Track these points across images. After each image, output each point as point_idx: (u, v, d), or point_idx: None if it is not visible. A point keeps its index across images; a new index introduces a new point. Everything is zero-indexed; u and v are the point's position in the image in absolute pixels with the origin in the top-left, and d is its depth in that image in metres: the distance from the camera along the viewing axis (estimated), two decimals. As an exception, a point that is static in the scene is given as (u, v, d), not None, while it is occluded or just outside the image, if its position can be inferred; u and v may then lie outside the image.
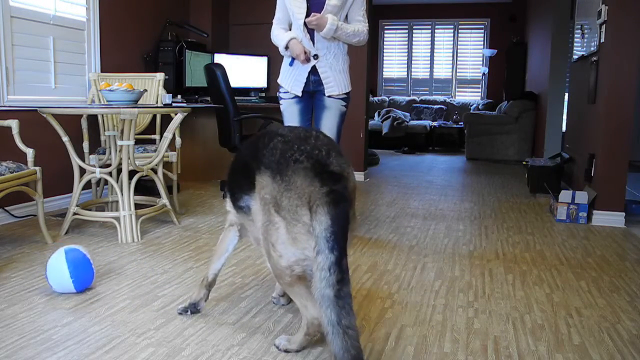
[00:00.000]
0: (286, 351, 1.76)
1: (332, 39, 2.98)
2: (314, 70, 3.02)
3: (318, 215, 1.53)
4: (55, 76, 3.84)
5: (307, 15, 2.94)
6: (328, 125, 3.08)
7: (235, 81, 4.87)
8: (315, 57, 2.99)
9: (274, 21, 3.10)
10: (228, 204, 1.99)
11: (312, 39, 2.98)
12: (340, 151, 1.70)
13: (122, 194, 3.11)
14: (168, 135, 3.38)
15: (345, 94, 3.09)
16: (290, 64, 3.06)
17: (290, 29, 3.07)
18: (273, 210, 1.60)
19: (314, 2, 2.94)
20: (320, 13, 2.91)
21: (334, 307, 1.47)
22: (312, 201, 1.54)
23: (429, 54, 9.87)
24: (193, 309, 2.07)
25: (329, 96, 3.05)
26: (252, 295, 2.28)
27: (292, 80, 3.07)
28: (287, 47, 2.98)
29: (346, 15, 3.04)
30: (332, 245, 1.50)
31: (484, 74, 9.52)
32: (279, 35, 3.03)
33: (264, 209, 1.64)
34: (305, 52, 2.93)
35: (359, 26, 3.02)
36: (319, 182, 1.56)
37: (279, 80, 3.16)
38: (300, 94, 3.06)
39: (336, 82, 3.04)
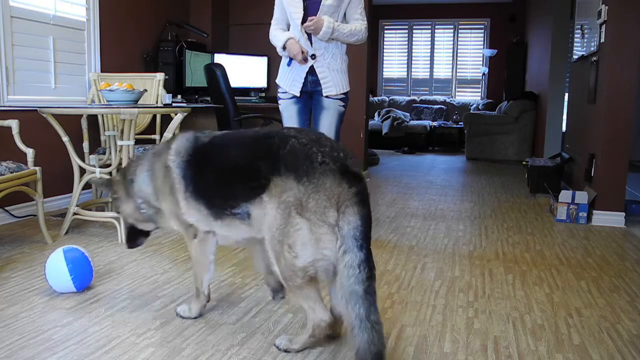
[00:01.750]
0: (286, 351, 1.76)
1: (329, 39, 2.98)
2: (311, 71, 3.01)
3: (347, 216, 1.56)
4: (55, 76, 3.84)
5: (305, 15, 2.94)
6: (326, 125, 3.08)
7: (235, 81, 4.87)
8: (313, 57, 2.99)
9: (272, 22, 3.10)
10: (194, 217, 1.88)
11: (310, 38, 2.98)
12: (348, 151, 1.72)
13: (122, 194, 3.10)
14: (168, 135, 3.38)
15: (344, 94, 3.08)
16: (288, 64, 3.06)
17: (288, 29, 3.07)
18: (295, 213, 1.59)
19: (311, 2, 2.94)
20: (316, 14, 2.91)
21: (363, 302, 1.52)
22: (341, 202, 1.57)
23: (429, 54, 9.87)
24: (198, 315, 2.05)
25: (327, 96, 3.05)
26: (252, 295, 2.28)
27: (290, 81, 3.07)
28: (284, 48, 2.98)
29: (344, 14, 3.04)
30: (361, 244, 1.55)
31: (484, 74, 9.52)
32: (277, 36, 3.03)
33: (283, 212, 1.62)
34: (302, 52, 2.93)
35: (356, 25, 3.00)
36: (347, 184, 1.58)
37: (277, 81, 3.16)
38: (298, 94, 3.06)
39: (334, 82, 3.03)
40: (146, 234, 2.16)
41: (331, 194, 1.57)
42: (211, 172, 1.83)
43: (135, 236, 2.15)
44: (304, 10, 2.94)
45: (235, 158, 1.79)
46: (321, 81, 3.02)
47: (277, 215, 1.63)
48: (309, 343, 1.75)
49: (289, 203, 1.60)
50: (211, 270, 2.00)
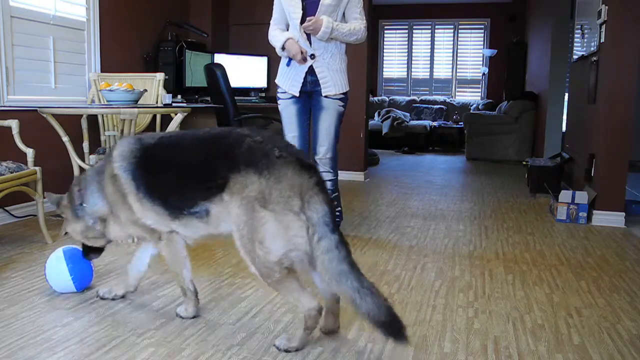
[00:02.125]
0: (286, 351, 1.76)
1: (329, 39, 2.98)
2: (311, 71, 3.01)
3: (313, 205, 1.63)
4: (55, 76, 3.84)
5: (304, 15, 2.94)
6: (326, 125, 3.08)
7: (235, 81, 4.87)
8: (312, 57, 2.99)
9: (271, 22, 3.10)
10: (151, 219, 1.89)
11: (309, 38, 2.98)
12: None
13: (122, 194, 3.10)
14: (168, 135, 3.37)
15: (343, 93, 3.08)
16: (288, 64, 3.06)
17: (287, 30, 3.07)
18: (259, 206, 1.62)
19: (309, 2, 2.94)
20: (315, 14, 2.91)
21: (352, 275, 1.61)
22: (304, 192, 1.62)
23: (429, 54, 9.87)
24: (195, 315, 2.05)
25: (326, 96, 3.05)
26: (252, 295, 2.28)
27: (289, 81, 3.07)
28: (283, 48, 2.98)
29: (343, 14, 3.03)
30: (332, 228, 1.64)
31: (484, 74, 9.52)
32: (276, 36, 3.03)
33: (247, 208, 1.64)
34: (301, 52, 2.93)
35: (355, 25, 3.00)
36: (307, 174, 1.65)
37: (276, 81, 3.16)
38: (297, 95, 3.06)
39: (333, 82, 3.04)
40: (98, 249, 2.20)
41: (293, 183, 1.62)
42: (164, 172, 1.84)
43: (87, 253, 2.20)
44: (302, 10, 2.95)
45: (190, 158, 1.81)
46: (320, 81, 3.02)
47: (240, 212, 1.66)
48: (305, 336, 1.77)
49: (251, 198, 1.63)
50: (187, 265, 2.02)
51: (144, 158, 1.86)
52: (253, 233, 1.65)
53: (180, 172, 1.81)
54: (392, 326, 1.61)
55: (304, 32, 2.96)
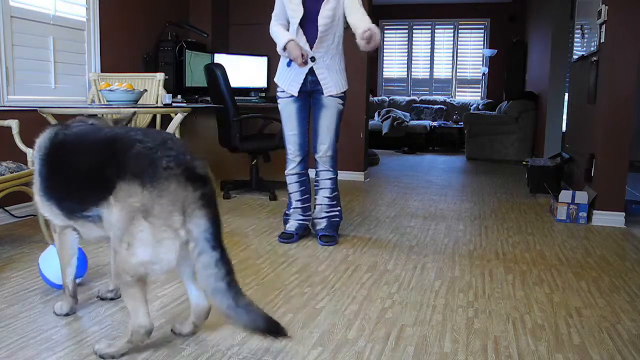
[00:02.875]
0: (101, 357, 1.70)
1: (329, 41, 2.98)
2: (311, 71, 3.02)
3: (195, 219, 1.60)
4: (55, 76, 3.84)
5: (304, 16, 2.93)
6: (326, 123, 3.09)
7: (235, 81, 4.87)
8: (313, 59, 2.99)
9: (272, 15, 3.10)
10: (47, 214, 1.88)
11: (309, 41, 2.98)
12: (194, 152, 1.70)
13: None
14: (168, 135, 3.37)
15: (343, 92, 3.09)
16: (288, 65, 3.06)
17: (289, 24, 3.06)
18: (140, 217, 1.58)
19: (310, 5, 2.94)
20: (316, 15, 2.91)
21: (228, 294, 1.61)
22: (187, 206, 1.59)
23: (429, 54, 9.87)
24: (69, 312, 2.04)
25: (327, 96, 3.05)
26: (252, 295, 2.27)
27: (289, 81, 3.07)
28: (284, 48, 2.98)
29: (342, 11, 3.01)
30: (214, 244, 1.61)
31: (484, 74, 9.52)
32: (277, 34, 3.02)
33: (128, 215, 1.60)
34: (302, 55, 2.93)
35: (367, 19, 2.93)
36: (192, 187, 1.60)
37: (275, 79, 3.16)
38: (296, 94, 3.06)
39: (334, 82, 3.04)
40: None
41: (176, 198, 1.58)
42: (60, 172, 1.82)
43: None
44: (303, 10, 2.94)
45: (83, 160, 1.76)
46: (321, 82, 3.02)
47: (122, 217, 1.62)
48: (126, 348, 1.72)
49: (134, 207, 1.59)
50: (72, 264, 2.00)
51: (50, 155, 1.83)
52: (126, 234, 1.61)
53: (74, 174, 1.78)
54: (270, 330, 1.66)
55: (304, 30, 2.95)
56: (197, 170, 1.63)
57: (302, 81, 3.03)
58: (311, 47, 2.98)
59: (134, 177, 1.60)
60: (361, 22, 2.84)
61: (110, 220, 1.66)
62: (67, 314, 2.03)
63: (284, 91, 3.10)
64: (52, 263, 2.19)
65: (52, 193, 1.84)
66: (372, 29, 2.75)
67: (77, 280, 2.25)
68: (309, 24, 2.96)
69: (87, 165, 1.74)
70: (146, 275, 1.65)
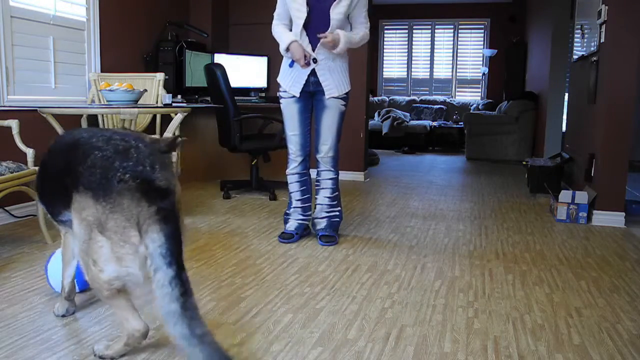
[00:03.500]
0: (101, 357, 1.71)
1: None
2: (313, 72, 3.02)
3: (150, 234, 1.50)
4: (55, 76, 3.84)
5: (308, 17, 2.94)
6: (328, 124, 3.09)
7: (235, 81, 4.87)
8: (315, 61, 3.00)
9: (274, 15, 3.10)
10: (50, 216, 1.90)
11: (312, 42, 2.98)
12: (165, 161, 1.60)
13: (122, 194, 3.10)
14: (168, 135, 3.38)
15: (345, 93, 3.09)
16: (290, 65, 3.06)
17: (291, 24, 3.07)
18: (97, 231, 1.54)
19: (314, 6, 2.94)
20: (321, 20, 2.92)
21: (182, 320, 1.45)
22: (142, 221, 1.51)
23: (429, 54, 9.87)
24: (65, 314, 2.04)
25: (329, 97, 3.06)
26: (252, 295, 2.28)
27: (291, 81, 3.07)
28: (287, 49, 2.98)
29: (348, 16, 3.04)
30: (169, 261, 1.49)
31: (484, 74, 9.52)
32: (281, 35, 3.03)
33: (85, 228, 1.57)
34: (305, 56, 2.94)
35: (362, 31, 3.05)
36: (147, 202, 1.51)
37: (278, 79, 3.16)
38: (298, 95, 3.06)
39: (335, 84, 3.04)
40: None
41: (130, 214, 1.51)
42: (46, 176, 1.83)
43: None
44: (307, 13, 2.94)
45: (52, 166, 1.76)
46: (323, 84, 3.03)
47: (80, 230, 1.59)
48: (124, 351, 1.72)
49: (89, 221, 1.56)
50: (72, 266, 1.99)
51: (47, 158, 1.84)
52: (90, 250, 1.58)
53: (50, 179, 1.78)
54: None
55: (307, 31, 2.96)
56: (156, 182, 1.53)
57: (304, 82, 3.04)
58: (314, 49, 2.98)
59: (86, 190, 1.54)
60: (354, 28, 3.05)
61: (75, 231, 1.63)
62: (63, 315, 2.03)
63: (286, 91, 3.10)
64: (58, 268, 2.19)
65: (42, 197, 1.88)
66: (335, 37, 2.91)
67: (86, 288, 2.25)
68: (312, 25, 2.96)
69: (54, 172, 1.73)
70: (122, 287, 1.62)
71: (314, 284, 2.43)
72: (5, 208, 3.44)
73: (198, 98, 4.89)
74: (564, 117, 5.92)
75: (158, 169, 1.55)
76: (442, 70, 9.87)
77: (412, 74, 10.01)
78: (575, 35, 5.06)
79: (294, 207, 3.22)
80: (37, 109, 3.13)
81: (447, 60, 9.81)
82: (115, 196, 1.51)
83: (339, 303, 2.22)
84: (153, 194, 1.52)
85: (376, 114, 9.22)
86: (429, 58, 9.88)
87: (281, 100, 3.14)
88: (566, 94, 6.09)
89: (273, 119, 4.39)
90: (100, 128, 1.94)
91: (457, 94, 9.81)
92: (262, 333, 1.92)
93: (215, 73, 4.25)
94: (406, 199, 4.58)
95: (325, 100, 3.06)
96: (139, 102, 3.34)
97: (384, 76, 10.14)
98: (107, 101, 3.17)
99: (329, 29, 2.93)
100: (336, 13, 2.93)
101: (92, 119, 3.85)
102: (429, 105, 9.48)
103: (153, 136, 1.74)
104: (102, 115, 3.83)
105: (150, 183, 1.53)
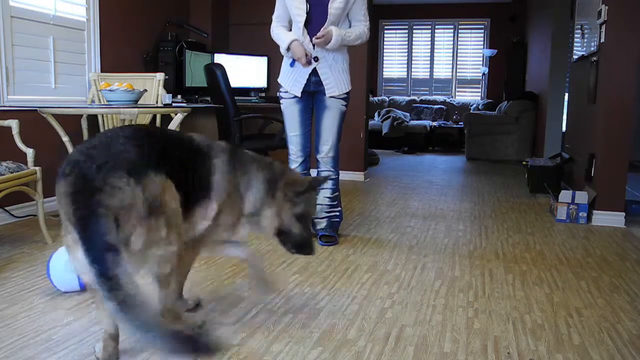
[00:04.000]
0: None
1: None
2: (314, 71, 3.02)
3: (74, 234, 1.44)
4: (55, 76, 3.84)
5: (308, 17, 2.94)
6: (328, 124, 3.09)
7: (235, 81, 4.87)
8: (316, 59, 3.00)
9: (273, 17, 3.10)
10: None
11: (312, 40, 2.98)
12: (132, 160, 1.50)
13: (122, 194, 3.10)
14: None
15: (346, 93, 3.09)
16: (291, 65, 3.06)
17: (290, 26, 3.07)
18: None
19: (314, 3, 2.94)
20: (320, 16, 2.92)
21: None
22: (68, 217, 1.45)
23: (429, 54, 9.87)
24: None
25: (330, 97, 3.06)
26: (252, 295, 2.27)
27: (292, 81, 3.07)
28: (288, 49, 2.98)
29: (347, 14, 3.04)
30: (91, 260, 1.38)
31: (484, 74, 9.52)
32: (280, 36, 3.03)
33: None
34: (306, 55, 2.94)
35: (360, 29, 3.03)
36: (71, 200, 1.44)
37: (279, 80, 3.16)
38: (299, 95, 3.06)
39: (336, 83, 3.04)
40: None
41: (62, 207, 1.48)
42: None
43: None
44: (307, 11, 2.94)
45: None
46: (324, 82, 3.03)
47: None
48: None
49: None
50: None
51: None
52: None
53: None
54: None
55: (308, 30, 2.96)
56: (94, 182, 1.43)
57: (305, 82, 3.03)
58: (314, 47, 2.98)
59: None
60: (352, 26, 3.04)
61: None
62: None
63: (287, 92, 3.10)
64: (60, 265, 2.19)
65: None
66: (327, 33, 2.90)
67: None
68: (312, 23, 2.96)
69: None
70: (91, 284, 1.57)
71: (314, 284, 2.43)
72: (5, 208, 3.44)
73: (198, 98, 4.89)
74: (564, 117, 5.92)
75: (109, 167, 1.46)
76: (442, 70, 9.87)
77: (412, 74, 10.01)
78: (575, 35, 5.06)
79: (294, 207, 3.21)
80: (37, 109, 3.13)
81: (447, 60, 9.81)
82: (57, 187, 1.50)
83: (339, 303, 2.22)
84: (80, 194, 1.45)
85: (376, 114, 9.22)
86: (429, 58, 9.88)
87: (282, 101, 3.14)
88: (566, 94, 6.09)
89: (273, 119, 4.39)
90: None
91: (457, 94, 9.82)
92: (262, 333, 1.91)
93: (215, 73, 4.25)
94: (406, 199, 4.58)
95: (326, 100, 3.06)
96: (139, 102, 3.34)
97: (384, 76, 10.14)
98: (107, 101, 3.17)
99: (326, 23, 2.92)
100: (335, 8, 2.92)
101: (92, 119, 3.85)
102: (429, 105, 9.48)
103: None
104: (102, 115, 3.83)
105: (85, 181, 1.46)
